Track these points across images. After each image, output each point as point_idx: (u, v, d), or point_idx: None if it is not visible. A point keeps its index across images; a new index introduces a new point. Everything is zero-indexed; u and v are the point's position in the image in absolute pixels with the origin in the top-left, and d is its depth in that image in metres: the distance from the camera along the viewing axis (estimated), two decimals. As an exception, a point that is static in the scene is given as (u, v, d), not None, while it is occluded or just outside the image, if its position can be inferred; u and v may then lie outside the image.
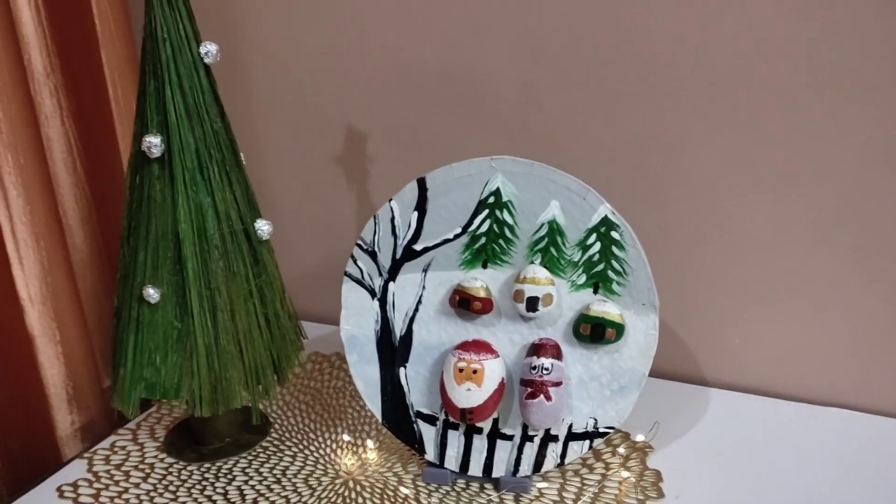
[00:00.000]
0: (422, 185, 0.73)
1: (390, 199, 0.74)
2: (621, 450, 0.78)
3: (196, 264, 0.72)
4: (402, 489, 0.74)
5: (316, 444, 0.83)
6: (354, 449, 0.81)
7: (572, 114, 0.88)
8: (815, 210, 0.81)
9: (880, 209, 0.79)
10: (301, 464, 0.80)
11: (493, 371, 0.71)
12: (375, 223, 0.75)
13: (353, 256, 0.76)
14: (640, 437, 0.78)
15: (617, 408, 0.72)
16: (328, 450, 0.82)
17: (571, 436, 0.73)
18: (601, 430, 0.72)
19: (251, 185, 0.76)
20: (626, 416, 0.72)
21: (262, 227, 0.75)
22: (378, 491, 0.75)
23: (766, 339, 0.87)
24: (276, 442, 0.83)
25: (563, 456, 0.73)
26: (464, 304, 0.72)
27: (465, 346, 0.72)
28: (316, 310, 1.03)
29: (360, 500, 0.74)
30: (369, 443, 0.81)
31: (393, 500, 0.74)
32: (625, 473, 0.75)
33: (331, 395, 0.91)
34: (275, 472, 0.79)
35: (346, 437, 0.83)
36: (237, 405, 0.75)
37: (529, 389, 0.70)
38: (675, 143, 0.85)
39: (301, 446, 0.82)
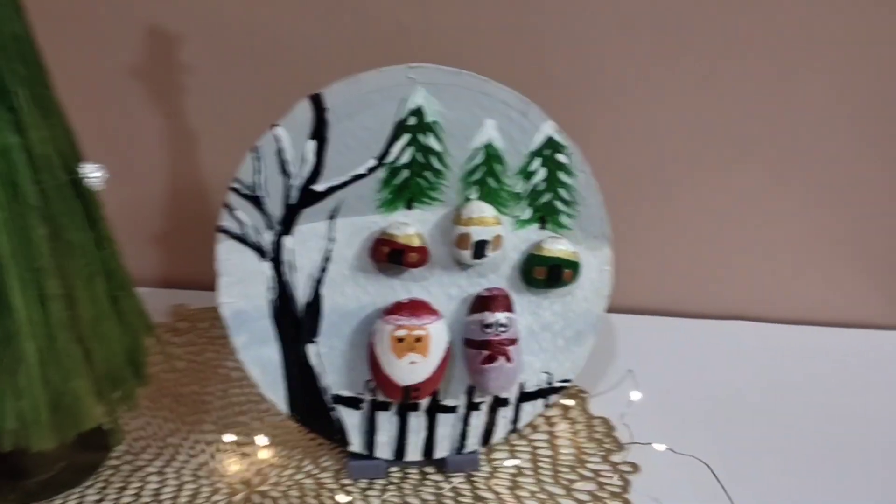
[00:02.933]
0: (317, 104, 0.57)
1: (274, 125, 0.57)
2: (566, 401, 0.71)
3: (10, 236, 0.50)
4: (339, 497, 0.60)
5: (185, 451, 0.65)
6: (241, 451, 0.65)
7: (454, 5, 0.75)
8: (729, 119, 0.78)
9: (798, 113, 0.77)
10: (175, 482, 0.62)
11: (438, 336, 0.59)
12: (256, 158, 0.58)
13: (227, 205, 0.58)
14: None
15: (572, 358, 0.64)
16: (205, 457, 0.65)
17: (523, 396, 0.63)
18: (556, 385, 0.64)
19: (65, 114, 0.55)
20: (582, 365, 0.64)
21: (93, 173, 0.54)
22: (295, 502, 0.60)
23: (675, 256, 0.84)
24: (127, 457, 0.64)
25: (515, 421, 0.64)
26: (395, 257, 0.58)
27: (399, 309, 0.59)
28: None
29: (276, 518, 0.59)
30: (259, 439, 0.65)
31: (320, 510, 0.60)
32: (564, 425, 0.68)
33: (184, 381, 0.73)
34: (143, 499, 0.60)
35: (226, 438, 0.66)
36: (90, 425, 0.56)
37: (486, 352, 0.59)
38: (580, 42, 0.76)
39: (165, 458, 0.64)
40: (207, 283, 0.87)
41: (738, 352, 0.79)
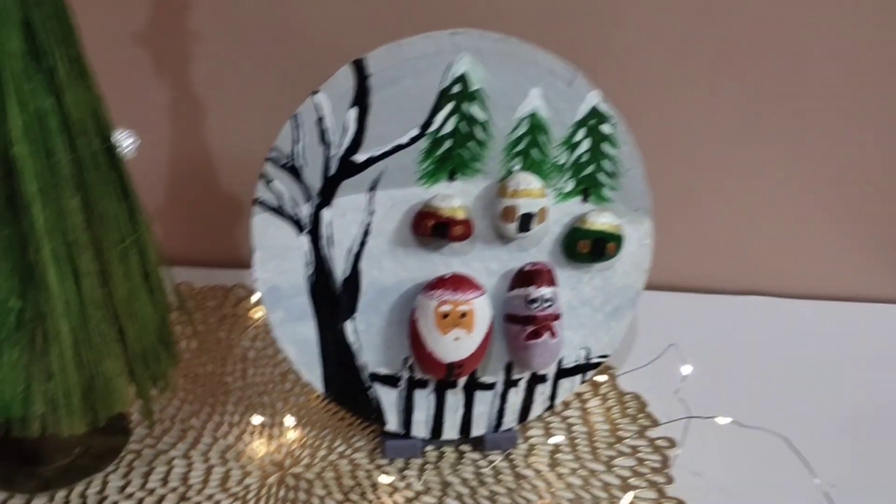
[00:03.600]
0: (360, 70, 0.55)
1: (315, 92, 0.55)
2: (597, 377, 0.70)
3: (44, 208, 0.47)
4: (381, 477, 0.59)
5: (209, 434, 0.63)
6: (269, 433, 0.63)
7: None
8: (750, 99, 0.78)
9: (818, 99, 0.77)
10: (203, 466, 0.60)
11: (483, 311, 0.58)
12: (295, 127, 0.56)
13: (264, 176, 0.56)
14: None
15: (610, 333, 0.63)
16: (232, 439, 0.63)
17: (561, 372, 0.63)
18: (593, 360, 0.63)
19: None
20: (620, 340, 0.63)
21: (125, 140, 0.52)
22: (331, 483, 0.59)
23: (688, 233, 0.84)
24: (148, 441, 0.62)
25: (552, 398, 0.63)
26: (440, 230, 0.57)
27: (443, 284, 0.57)
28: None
29: (315, 502, 0.58)
30: (288, 420, 0.64)
31: (361, 493, 0.58)
32: (596, 402, 0.68)
33: (199, 362, 0.70)
34: (171, 483, 0.58)
35: (255, 420, 0.64)
36: (122, 408, 0.53)
37: (531, 328, 0.58)
38: (603, 18, 0.75)
39: (189, 441, 0.62)
40: (212, 260, 0.85)
41: (770, 328, 0.79)
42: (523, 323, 0.58)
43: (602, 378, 0.70)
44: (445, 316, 0.56)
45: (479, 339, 0.58)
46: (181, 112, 0.80)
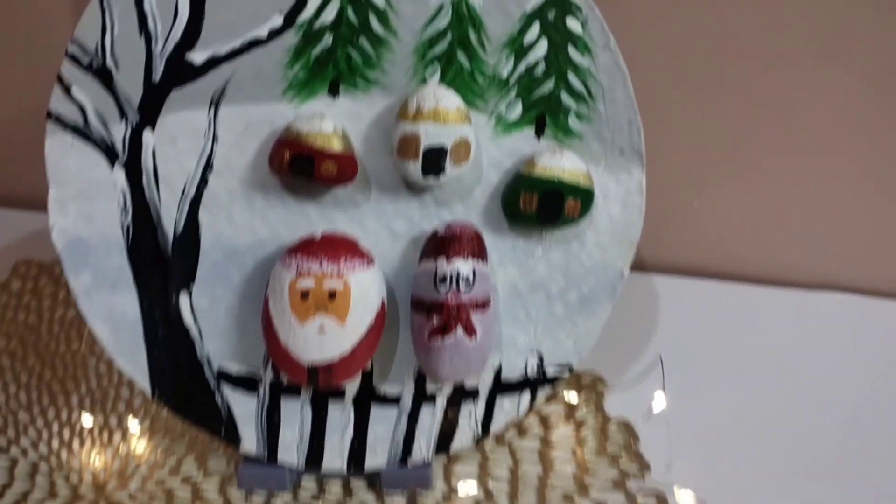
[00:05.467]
0: (196, -71, 0.38)
1: (132, -39, 0.38)
2: (570, 396, 0.51)
3: None
4: (206, 521, 0.42)
5: (30, 433, 0.48)
6: (105, 439, 0.47)
7: None
8: (813, 33, 0.55)
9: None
10: (4, 478, 0.45)
11: (366, 291, 0.39)
12: (103, 11, 0.39)
13: (60, 80, 0.40)
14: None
15: (577, 333, 0.44)
16: (55, 444, 0.47)
17: (499, 387, 0.44)
18: (549, 372, 0.44)
19: None
20: (592, 344, 0.44)
21: None
22: (157, 520, 0.42)
23: (734, 203, 0.62)
24: (-48, 438, 0.47)
25: (485, 423, 0.44)
26: (301, 166, 0.39)
27: (307, 248, 0.39)
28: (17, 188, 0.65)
29: (121, 545, 0.41)
30: (133, 424, 0.48)
31: (187, 538, 0.42)
32: (565, 430, 0.48)
33: (56, 337, 0.55)
34: (-53, 501, 0.43)
35: (86, 421, 0.48)
36: None
37: (437, 320, 0.39)
38: None
39: (4, 442, 0.47)
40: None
41: (826, 333, 0.57)
42: (429, 311, 0.40)
43: (576, 399, 0.50)
44: (305, 295, 0.38)
45: (358, 332, 0.39)
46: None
